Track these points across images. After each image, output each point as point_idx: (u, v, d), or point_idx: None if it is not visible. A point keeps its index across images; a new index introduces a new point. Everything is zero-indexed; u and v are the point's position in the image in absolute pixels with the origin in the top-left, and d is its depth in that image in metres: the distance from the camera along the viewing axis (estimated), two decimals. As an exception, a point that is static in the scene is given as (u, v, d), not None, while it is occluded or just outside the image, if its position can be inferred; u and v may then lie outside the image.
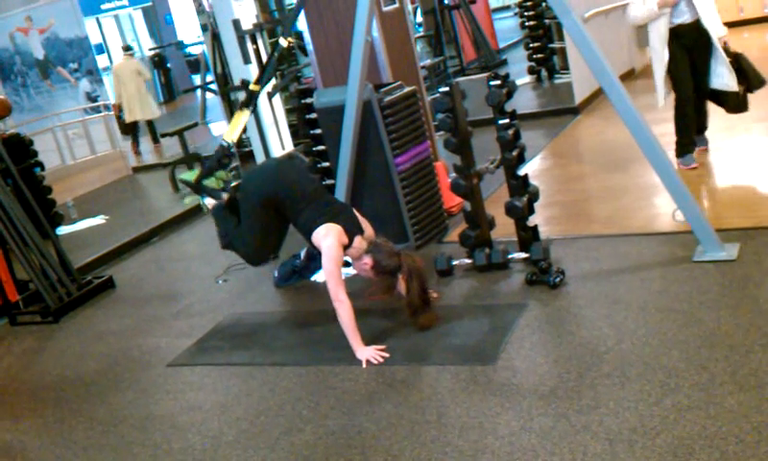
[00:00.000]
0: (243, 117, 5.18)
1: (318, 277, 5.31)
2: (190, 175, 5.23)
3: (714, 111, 6.23)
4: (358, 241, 4.21)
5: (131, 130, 12.48)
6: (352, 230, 4.21)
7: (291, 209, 4.33)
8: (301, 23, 6.02)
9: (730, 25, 12.59)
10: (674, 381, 3.27)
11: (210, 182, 5.02)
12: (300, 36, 9.24)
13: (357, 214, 4.35)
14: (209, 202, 4.92)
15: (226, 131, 5.17)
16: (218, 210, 4.80)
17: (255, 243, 4.60)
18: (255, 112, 8.31)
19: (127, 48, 13.47)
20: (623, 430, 3.01)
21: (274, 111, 8.37)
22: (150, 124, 12.74)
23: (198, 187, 5.01)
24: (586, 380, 3.42)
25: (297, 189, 4.34)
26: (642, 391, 3.24)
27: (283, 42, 5.14)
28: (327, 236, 4.11)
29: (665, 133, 5.85)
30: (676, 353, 3.48)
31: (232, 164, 5.40)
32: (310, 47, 6.06)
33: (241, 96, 8.13)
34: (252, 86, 5.23)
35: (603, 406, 3.20)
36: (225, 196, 4.80)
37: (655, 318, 3.83)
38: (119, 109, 12.14)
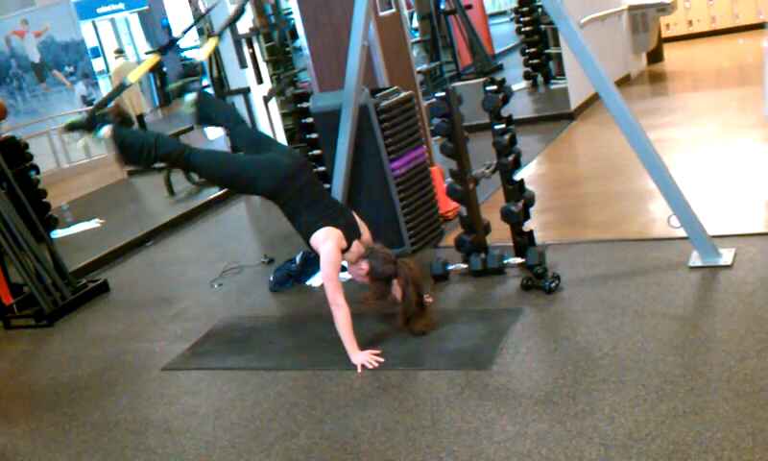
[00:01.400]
0: (151, 60, 5.16)
1: (313, 281, 5.30)
2: (75, 118, 4.87)
3: (708, 116, 6.24)
4: (356, 245, 4.21)
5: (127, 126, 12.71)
6: (351, 233, 4.20)
7: (291, 208, 4.29)
8: (298, 27, 6.01)
9: (725, 32, 12.74)
10: (669, 387, 3.26)
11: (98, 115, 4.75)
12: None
13: (356, 217, 4.34)
14: (105, 131, 4.50)
15: (131, 73, 5.04)
16: (116, 129, 4.48)
17: (210, 172, 4.46)
18: (251, 116, 8.32)
19: (120, 51, 13.73)
20: (618, 435, 3.01)
21: (270, 116, 8.37)
22: (140, 118, 13.00)
23: (91, 122, 4.57)
24: (581, 385, 3.41)
25: (301, 190, 4.28)
26: (638, 396, 3.24)
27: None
28: (327, 240, 4.10)
29: (661, 138, 5.86)
30: (671, 359, 3.48)
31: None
32: (306, 52, 6.06)
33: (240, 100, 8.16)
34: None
35: (598, 411, 3.19)
36: (115, 119, 4.56)
37: (650, 323, 3.83)
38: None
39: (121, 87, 4.88)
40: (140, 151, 4.37)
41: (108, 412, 4.18)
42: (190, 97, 4.80)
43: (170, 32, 19.80)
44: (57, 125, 11.81)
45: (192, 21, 5.14)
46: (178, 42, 5.21)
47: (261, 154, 4.47)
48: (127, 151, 4.43)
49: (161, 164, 5.19)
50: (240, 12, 5.26)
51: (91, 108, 4.82)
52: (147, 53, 5.19)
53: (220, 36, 5.15)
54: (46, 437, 4.06)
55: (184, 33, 5.18)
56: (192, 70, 4.91)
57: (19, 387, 4.81)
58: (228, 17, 5.15)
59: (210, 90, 9.03)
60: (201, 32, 9.49)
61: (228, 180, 4.60)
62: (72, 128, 4.67)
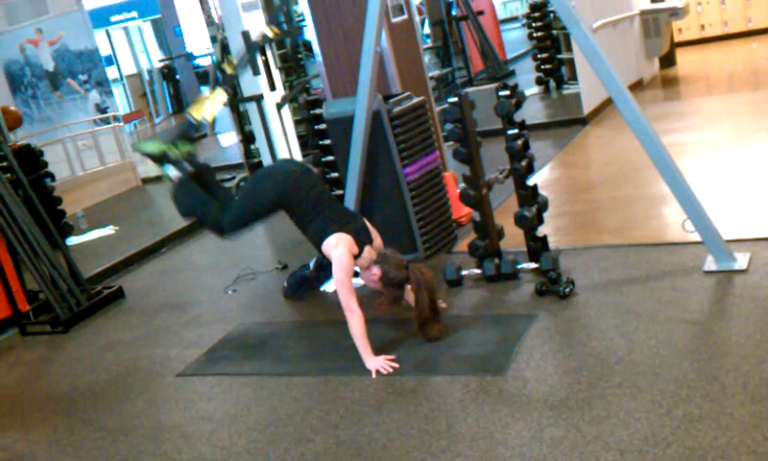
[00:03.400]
0: (215, 97, 5.10)
1: (327, 287, 5.31)
2: (148, 144, 4.93)
3: (721, 120, 6.22)
4: (367, 251, 4.21)
5: None
6: (362, 239, 4.21)
7: (301, 216, 4.32)
8: (310, 34, 6.04)
9: (738, 36, 12.70)
10: (685, 392, 3.26)
11: (174, 155, 4.80)
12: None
13: (367, 223, 4.35)
14: (173, 173, 4.69)
15: (193, 107, 5.03)
16: (185, 181, 4.63)
17: (235, 222, 4.51)
18: (264, 123, 8.35)
19: None
20: (634, 441, 3.01)
21: (282, 122, 8.39)
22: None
23: (161, 157, 4.73)
24: (596, 391, 3.41)
25: (309, 197, 4.31)
26: (653, 401, 3.23)
27: (268, 32, 5.06)
28: (338, 246, 4.11)
29: (674, 143, 5.85)
30: (687, 364, 3.47)
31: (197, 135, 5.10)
32: (319, 58, 6.08)
33: (254, 109, 8.19)
34: (226, 67, 5.16)
35: (614, 417, 3.19)
36: (189, 168, 4.65)
37: (665, 328, 3.82)
38: None
39: (187, 125, 4.94)
40: (187, 209, 4.63)
41: (123, 418, 4.20)
42: (173, 173, 4.71)
43: (182, 41, 19.94)
44: (71, 133, 11.89)
45: (245, 58, 5.03)
46: (236, 72, 5.09)
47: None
48: (180, 200, 4.63)
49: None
50: (254, 54, 5.13)
51: (163, 137, 4.86)
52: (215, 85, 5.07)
53: (230, 85, 4.96)
54: (63, 443, 4.09)
55: (240, 68, 5.07)
56: (192, 129, 4.71)
57: (36, 393, 4.84)
58: (240, 58, 5.05)
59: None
60: (213, 39, 9.54)
61: (246, 218, 4.56)
62: (143, 152, 4.87)
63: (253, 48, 4.99)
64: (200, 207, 4.56)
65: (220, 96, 5.00)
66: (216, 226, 4.54)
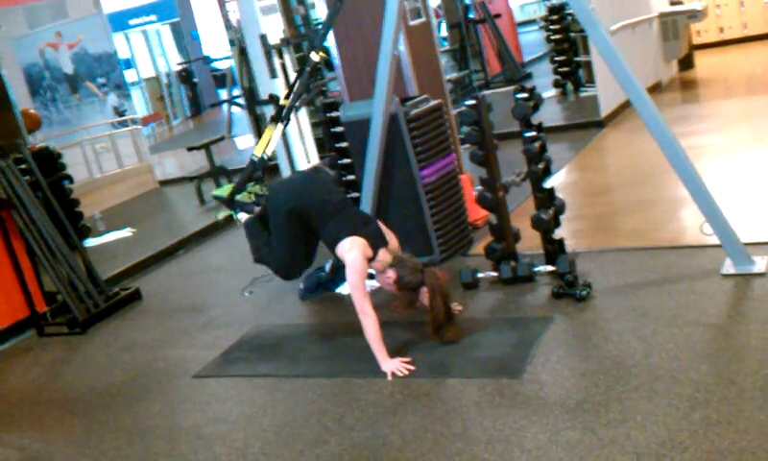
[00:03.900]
0: (274, 132, 5.19)
1: (343, 289, 5.32)
2: (222, 191, 5.27)
3: (740, 123, 6.18)
4: (382, 254, 4.21)
5: None
6: (377, 242, 4.21)
7: (316, 221, 4.34)
8: (329, 37, 6.05)
9: (757, 38, 12.61)
10: (703, 395, 3.23)
11: (242, 197, 5.05)
12: (326, 50, 9.27)
13: (382, 226, 4.35)
14: (242, 216, 4.95)
15: (256, 146, 5.20)
16: (251, 224, 4.82)
17: (286, 256, 4.62)
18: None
19: None
20: (651, 444, 2.99)
21: (299, 125, 8.41)
22: None
23: (231, 202, 5.05)
24: (613, 394, 3.39)
25: (322, 201, 4.35)
26: (671, 405, 3.21)
27: (315, 57, 5.14)
28: (351, 250, 4.12)
29: (692, 145, 5.82)
30: (704, 367, 3.44)
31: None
32: (337, 61, 6.09)
33: (270, 111, 8.20)
34: (281, 101, 5.25)
35: (631, 420, 3.17)
36: (257, 209, 4.83)
37: (683, 332, 3.80)
38: None
39: (252, 166, 5.14)
40: (253, 249, 4.84)
41: (140, 419, 4.22)
42: (242, 217, 4.99)
43: (200, 44, 20.04)
44: (90, 135, 11.97)
45: (295, 88, 5.11)
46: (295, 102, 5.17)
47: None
48: (249, 242, 4.87)
49: (193, 177, 5.24)
50: (305, 83, 5.22)
51: (234, 187, 5.15)
52: (269, 122, 5.21)
53: (286, 117, 5.11)
54: (80, 443, 4.11)
55: (297, 98, 5.19)
56: (253, 167, 4.91)
57: (53, 394, 4.87)
58: (294, 95, 5.14)
59: (241, 101, 9.10)
60: (232, 43, 9.57)
61: (287, 243, 4.62)
62: (219, 199, 5.32)
63: (304, 78, 5.14)
64: (264, 248, 4.73)
65: (275, 132, 5.18)
66: (275, 267, 4.78)
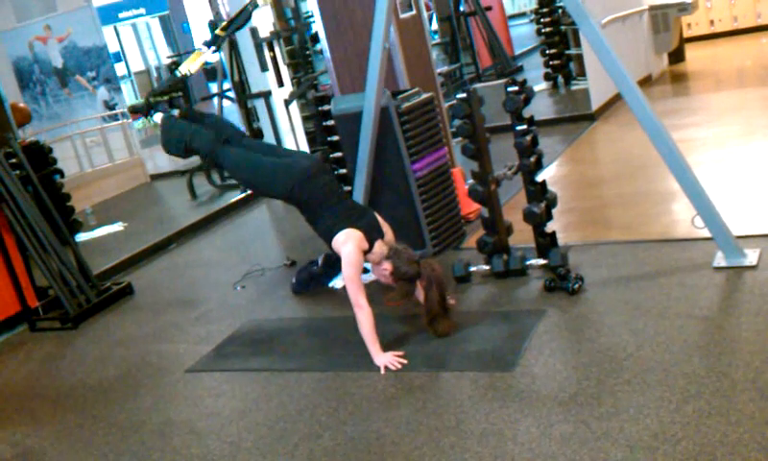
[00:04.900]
0: (202, 56, 5.21)
1: (335, 283, 5.32)
2: (138, 101, 5.31)
3: (730, 116, 6.20)
4: (378, 246, 4.21)
5: None
6: (372, 234, 4.21)
7: (312, 212, 4.33)
8: (319, 30, 6.03)
9: (747, 31, 12.64)
10: (695, 388, 3.25)
11: (157, 101, 5.02)
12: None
13: (378, 218, 4.34)
14: (158, 116, 4.83)
15: (183, 64, 5.21)
16: (167, 117, 4.74)
17: (235, 172, 4.65)
18: (272, 120, 8.36)
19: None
20: (644, 437, 3.00)
21: (290, 119, 8.40)
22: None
23: (147, 104, 4.96)
24: (605, 387, 3.40)
25: (321, 193, 4.30)
26: (663, 397, 3.23)
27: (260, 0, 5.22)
28: (347, 242, 4.11)
29: (683, 138, 5.83)
30: (696, 360, 3.46)
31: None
32: (328, 54, 6.08)
33: (262, 104, 8.19)
34: (218, 31, 5.28)
35: (623, 413, 3.18)
36: (175, 112, 4.78)
37: (675, 324, 3.81)
38: None
39: (173, 78, 5.16)
40: (178, 142, 4.63)
41: (132, 413, 4.22)
42: (157, 116, 4.87)
43: (191, 37, 19.97)
44: (80, 129, 11.93)
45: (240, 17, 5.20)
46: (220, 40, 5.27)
47: (282, 158, 4.52)
48: (167, 139, 4.69)
49: (184, 171, 5.24)
50: (245, 19, 5.31)
51: (150, 92, 5.13)
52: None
53: (217, 45, 5.17)
54: (72, 438, 4.10)
55: (231, 30, 5.28)
56: (178, 83, 5.00)
57: (45, 389, 4.86)
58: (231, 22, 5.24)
59: (232, 94, 9.09)
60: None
61: (250, 183, 4.73)
62: (133, 110, 5.25)
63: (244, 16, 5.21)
64: (187, 132, 4.60)
65: (204, 54, 5.15)
66: (206, 147, 4.58)
